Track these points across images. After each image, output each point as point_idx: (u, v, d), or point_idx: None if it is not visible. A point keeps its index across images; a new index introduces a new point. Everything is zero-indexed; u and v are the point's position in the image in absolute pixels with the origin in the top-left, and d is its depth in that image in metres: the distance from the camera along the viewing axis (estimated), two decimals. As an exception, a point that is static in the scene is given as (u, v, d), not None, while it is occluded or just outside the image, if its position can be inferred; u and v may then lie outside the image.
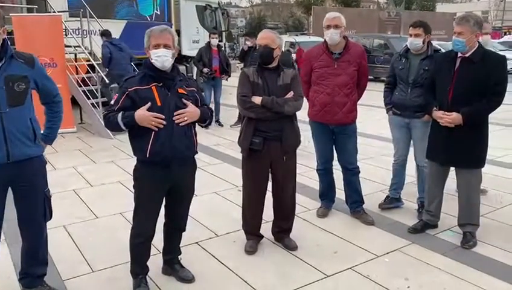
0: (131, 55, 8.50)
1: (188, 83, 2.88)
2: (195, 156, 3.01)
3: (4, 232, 3.62)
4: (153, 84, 2.73)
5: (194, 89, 2.91)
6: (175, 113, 2.72)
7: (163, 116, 2.67)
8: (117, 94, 2.79)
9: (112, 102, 2.79)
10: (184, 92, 2.80)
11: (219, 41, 14.32)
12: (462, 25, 3.34)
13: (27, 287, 2.88)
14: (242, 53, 8.74)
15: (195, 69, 12.92)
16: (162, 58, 2.69)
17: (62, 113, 2.94)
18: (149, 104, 2.66)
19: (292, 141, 3.43)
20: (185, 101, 2.77)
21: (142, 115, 2.65)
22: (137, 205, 2.89)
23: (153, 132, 2.69)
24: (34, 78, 2.67)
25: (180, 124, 2.73)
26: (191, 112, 2.77)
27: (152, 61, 2.72)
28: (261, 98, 3.30)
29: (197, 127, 2.99)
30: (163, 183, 2.83)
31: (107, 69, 8.22)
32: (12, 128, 2.56)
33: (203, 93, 3.31)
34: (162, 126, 2.67)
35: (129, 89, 2.72)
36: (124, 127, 2.72)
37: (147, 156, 2.72)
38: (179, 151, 2.76)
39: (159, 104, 2.70)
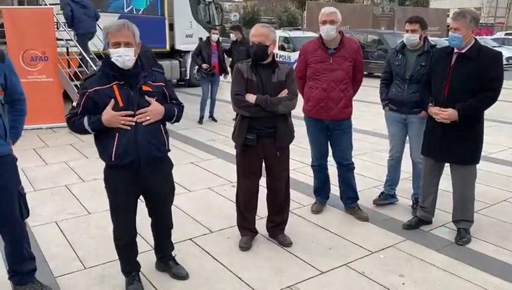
0: (95, 12, 8.36)
1: (154, 78, 2.73)
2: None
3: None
4: (114, 83, 2.57)
5: (162, 83, 2.75)
6: (137, 112, 2.58)
7: (131, 113, 2.54)
8: (78, 95, 2.63)
9: (74, 104, 2.64)
10: (149, 89, 2.65)
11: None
12: (459, 20, 3.33)
13: (18, 284, 2.83)
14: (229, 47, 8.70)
15: (188, 63, 12.89)
16: (123, 58, 2.53)
17: (26, 112, 2.83)
18: (112, 102, 2.52)
19: (286, 137, 3.41)
20: (148, 98, 2.61)
21: (109, 116, 2.51)
22: (111, 209, 2.81)
23: (117, 134, 2.56)
24: (4, 72, 2.57)
25: (143, 124, 2.59)
26: (153, 110, 2.61)
27: (112, 60, 2.57)
28: (255, 96, 3.25)
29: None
30: (134, 186, 2.72)
31: (73, 30, 8.14)
32: None
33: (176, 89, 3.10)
34: (133, 124, 2.52)
35: (89, 90, 2.56)
36: (92, 132, 2.60)
37: (113, 159, 2.59)
38: (146, 153, 2.62)
39: (121, 104, 2.56)
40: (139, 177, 2.69)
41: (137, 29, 2.64)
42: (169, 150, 2.84)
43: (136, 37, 2.61)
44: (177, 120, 2.87)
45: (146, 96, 2.62)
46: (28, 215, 2.81)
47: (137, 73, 2.64)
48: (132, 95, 2.59)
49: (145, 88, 2.64)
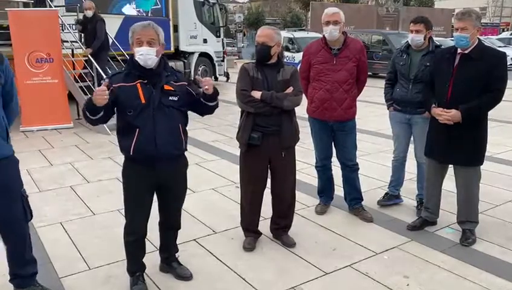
0: None
1: (177, 78, 2.80)
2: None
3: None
4: (138, 81, 2.67)
5: (185, 83, 2.82)
6: (203, 81, 2.70)
7: (105, 88, 2.53)
8: None
9: None
10: (171, 88, 2.73)
11: (217, 36, 14.30)
12: (465, 20, 3.30)
13: (18, 287, 2.82)
14: None
15: (193, 64, 12.91)
16: (144, 57, 2.61)
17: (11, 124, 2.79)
18: (106, 82, 2.59)
19: (291, 136, 3.40)
20: (197, 77, 2.76)
21: (93, 93, 2.55)
22: (125, 204, 2.85)
23: (137, 129, 2.64)
24: (4, 74, 2.57)
25: (209, 92, 2.73)
26: (210, 81, 2.76)
27: (136, 58, 2.65)
28: (260, 92, 3.27)
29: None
30: (149, 181, 2.77)
31: None
32: None
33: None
34: (105, 97, 2.52)
35: (114, 86, 2.64)
36: (89, 114, 2.62)
37: (131, 153, 2.67)
38: (164, 150, 2.69)
39: (143, 101, 2.64)
40: (154, 172, 2.74)
41: (161, 31, 2.72)
42: (186, 149, 2.90)
43: (161, 37, 2.69)
44: (217, 104, 2.95)
45: (170, 97, 2.71)
46: (31, 217, 2.80)
47: (160, 72, 2.72)
48: (154, 94, 2.67)
49: (167, 87, 2.72)
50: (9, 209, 2.64)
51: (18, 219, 2.70)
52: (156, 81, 2.70)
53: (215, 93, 2.82)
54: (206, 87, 2.72)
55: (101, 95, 2.52)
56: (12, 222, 2.69)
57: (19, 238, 2.76)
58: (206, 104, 2.85)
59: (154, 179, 2.78)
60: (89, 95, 2.66)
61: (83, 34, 8.47)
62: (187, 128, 2.90)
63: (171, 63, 12.84)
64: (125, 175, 2.84)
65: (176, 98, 2.74)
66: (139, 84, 2.67)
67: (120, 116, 2.72)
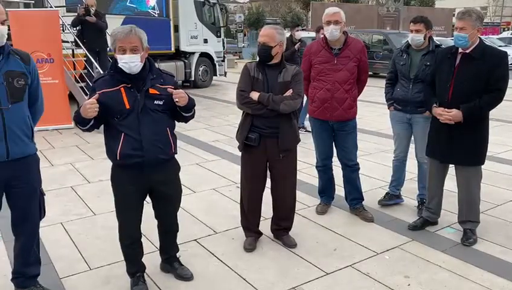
0: None
1: (163, 81, 2.72)
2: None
3: (0, 229, 3.61)
4: (122, 86, 2.62)
5: (171, 86, 2.73)
6: (174, 93, 2.63)
7: (94, 101, 2.54)
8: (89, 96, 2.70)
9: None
10: (156, 92, 2.66)
11: (218, 37, 14.29)
12: (464, 19, 3.30)
13: (20, 287, 2.83)
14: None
15: (194, 64, 12.91)
16: (129, 65, 2.57)
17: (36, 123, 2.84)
18: (97, 95, 2.57)
19: (289, 139, 3.36)
20: (169, 90, 2.67)
21: (82, 106, 2.56)
22: (116, 207, 2.85)
23: (123, 134, 2.61)
24: (31, 75, 2.64)
25: (180, 104, 2.65)
26: (184, 94, 2.67)
27: (119, 65, 2.60)
28: (258, 94, 3.26)
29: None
30: (138, 186, 2.75)
31: None
32: (12, 126, 2.53)
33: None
34: (95, 110, 2.53)
35: (98, 92, 2.60)
36: (80, 126, 2.66)
37: (117, 158, 2.64)
38: (151, 155, 2.65)
39: (127, 106, 2.60)
40: (142, 177, 2.72)
41: (144, 34, 2.66)
42: (176, 153, 2.86)
43: (144, 42, 2.63)
44: (193, 115, 2.88)
45: (155, 101, 2.65)
46: (44, 215, 2.84)
47: (145, 76, 2.66)
48: (138, 98, 2.62)
49: (152, 91, 2.66)
50: (28, 206, 2.71)
51: (33, 216, 2.75)
52: (141, 85, 2.64)
53: (190, 104, 2.74)
54: (177, 100, 2.65)
55: (91, 108, 2.53)
56: (27, 219, 2.73)
57: (30, 236, 2.78)
58: (181, 114, 2.79)
59: (143, 184, 2.75)
60: (84, 100, 2.66)
61: (81, 29, 8.43)
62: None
63: (172, 63, 12.73)
64: (114, 180, 2.80)
65: (161, 102, 2.68)
66: (123, 88, 2.62)
67: (106, 120, 2.67)
